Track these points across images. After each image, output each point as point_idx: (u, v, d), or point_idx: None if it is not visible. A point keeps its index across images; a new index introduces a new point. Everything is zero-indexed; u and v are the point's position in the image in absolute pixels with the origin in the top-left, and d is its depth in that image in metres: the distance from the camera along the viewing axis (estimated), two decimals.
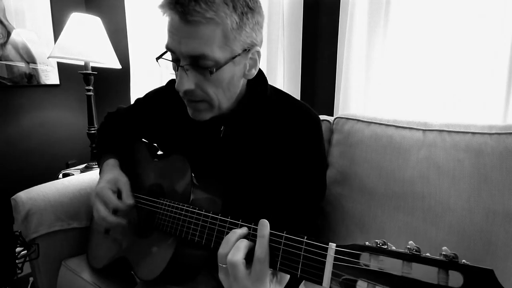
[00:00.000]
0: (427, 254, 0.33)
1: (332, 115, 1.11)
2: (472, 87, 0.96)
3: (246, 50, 0.60)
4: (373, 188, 0.86)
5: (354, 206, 0.88)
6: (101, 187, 0.72)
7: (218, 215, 0.53)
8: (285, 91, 0.77)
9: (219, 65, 0.57)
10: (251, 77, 0.66)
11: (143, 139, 0.90)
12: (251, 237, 0.48)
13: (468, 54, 0.95)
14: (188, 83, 0.59)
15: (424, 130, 0.84)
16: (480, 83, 0.94)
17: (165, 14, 0.57)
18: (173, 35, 0.57)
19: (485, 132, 0.77)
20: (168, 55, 0.62)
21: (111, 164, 0.80)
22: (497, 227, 0.71)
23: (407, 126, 0.87)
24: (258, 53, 0.63)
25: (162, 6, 0.57)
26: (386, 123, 0.90)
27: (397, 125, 0.88)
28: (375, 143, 0.88)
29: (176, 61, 0.60)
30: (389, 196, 0.83)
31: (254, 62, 0.64)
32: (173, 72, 0.65)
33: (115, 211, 0.72)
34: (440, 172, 0.78)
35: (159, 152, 0.88)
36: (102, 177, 0.76)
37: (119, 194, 0.73)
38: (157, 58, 0.64)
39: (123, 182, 0.73)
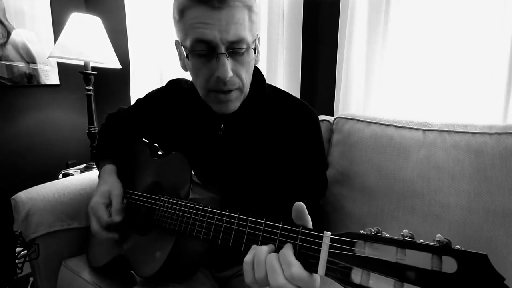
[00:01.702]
0: (421, 240, 0.33)
1: (332, 115, 1.11)
2: (472, 87, 0.96)
3: (257, 35, 0.64)
4: (373, 188, 0.86)
5: (354, 206, 0.88)
6: (94, 202, 0.73)
7: (217, 209, 0.54)
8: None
9: (250, 48, 0.61)
10: (258, 62, 0.69)
11: (143, 139, 0.91)
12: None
13: (468, 54, 0.95)
14: (230, 71, 0.60)
15: (424, 130, 0.84)
16: (480, 83, 0.94)
17: (186, 13, 0.58)
18: (208, 25, 0.56)
19: (485, 132, 0.77)
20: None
21: (108, 171, 0.80)
22: (497, 227, 0.71)
23: (407, 126, 0.87)
24: (259, 39, 0.67)
25: (188, 1, 0.57)
26: (386, 123, 0.90)
27: (397, 125, 0.88)
28: (375, 143, 0.88)
29: (211, 51, 0.59)
30: (389, 196, 0.83)
31: (257, 47, 0.67)
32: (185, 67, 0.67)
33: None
34: (440, 172, 0.78)
35: (160, 152, 0.88)
36: (98, 188, 0.77)
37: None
38: (190, 52, 0.61)
39: (115, 194, 0.73)
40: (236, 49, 0.59)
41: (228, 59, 0.59)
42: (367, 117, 0.94)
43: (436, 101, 1.02)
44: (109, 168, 0.81)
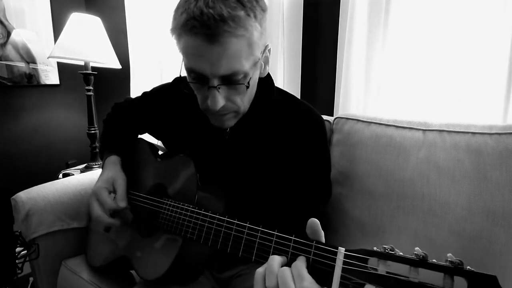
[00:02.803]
0: (434, 260, 0.34)
1: (332, 115, 1.11)
2: (472, 87, 0.96)
3: (262, 51, 0.61)
4: (373, 188, 0.86)
5: (354, 206, 0.88)
6: (97, 187, 0.73)
7: (225, 217, 0.53)
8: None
9: (248, 76, 0.58)
10: (265, 74, 0.67)
11: (146, 139, 0.90)
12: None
13: (468, 54, 0.95)
14: (221, 101, 0.59)
15: (424, 130, 0.84)
16: (480, 83, 0.94)
17: (180, 38, 0.56)
18: (200, 58, 0.55)
19: (485, 132, 0.77)
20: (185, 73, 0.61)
21: (112, 161, 0.80)
22: (497, 227, 0.71)
23: (407, 126, 0.87)
24: (269, 50, 0.64)
25: (177, 29, 0.55)
26: (386, 123, 0.90)
27: (397, 125, 0.88)
28: (375, 143, 0.88)
29: (202, 81, 0.58)
30: (389, 196, 0.83)
31: (267, 59, 0.65)
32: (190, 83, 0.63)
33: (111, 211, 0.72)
34: (440, 172, 0.78)
35: (160, 152, 0.88)
36: (101, 175, 0.77)
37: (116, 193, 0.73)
38: (188, 83, 0.61)
39: (120, 182, 0.74)
40: (227, 84, 0.57)
41: (219, 91, 0.58)
42: (367, 117, 0.94)
43: (436, 101, 1.02)
44: (114, 159, 0.81)
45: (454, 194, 0.76)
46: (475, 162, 0.75)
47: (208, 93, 0.58)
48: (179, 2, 0.56)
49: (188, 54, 0.56)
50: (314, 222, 0.43)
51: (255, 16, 0.55)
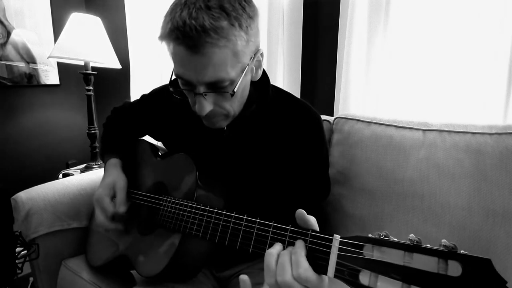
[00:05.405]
0: (428, 245, 0.34)
1: (332, 115, 1.11)
2: (472, 87, 0.96)
3: (252, 57, 0.61)
4: (373, 188, 0.86)
5: (354, 206, 0.88)
6: (98, 194, 0.74)
7: (223, 211, 0.54)
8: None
9: (234, 83, 0.58)
10: (258, 78, 0.67)
11: (146, 139, 0.91)
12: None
13: (468, 54, 0.95)
14: (208, 106, 0.60)
15: (424, 130, 0.84)
16: (480, 83, 0.94)
17: (168, 45, 0.56)
18: (185, 65, 0.56)
19: (485, 132, 0.77)
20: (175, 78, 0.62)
21: (113, 164, 0.81)
22: (497, 227, 0.71)
23: (407, 126, 0.87)
24: (262, 54, 0.64)
25: (164, 38, 0.56)
26: (386, 123, 0.90)
27: (397, 125, 0.88)
28: (375, 143, 0.88)
29: (189, 86, 0.59)
30: (389, 196, 0.83)
31: (259, 63, 0.65)
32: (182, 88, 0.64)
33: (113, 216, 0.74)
34: (440, 172, 0.78)
35: (160, 152, 0.88)
36: (103, 180, 0.78)
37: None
38: (172, 87, 0.62)
39: (120, 187, 0.74)
40: (213, 91, 0.58)
41: (205, 98, 0.59)
42: (367, 117, 0.94)
43: (436, 101, 1.02)
44: (114, 161, 0.82)
45: (454, 194, 0.76)
46: (475, 162, 0.75)
47: (195, 99, 0.60)
48: (168, 9, 0.57)
49: (175, 61, 0.57)
50: (300, 212, 0.44)
51: (240, 25, 0.54)
